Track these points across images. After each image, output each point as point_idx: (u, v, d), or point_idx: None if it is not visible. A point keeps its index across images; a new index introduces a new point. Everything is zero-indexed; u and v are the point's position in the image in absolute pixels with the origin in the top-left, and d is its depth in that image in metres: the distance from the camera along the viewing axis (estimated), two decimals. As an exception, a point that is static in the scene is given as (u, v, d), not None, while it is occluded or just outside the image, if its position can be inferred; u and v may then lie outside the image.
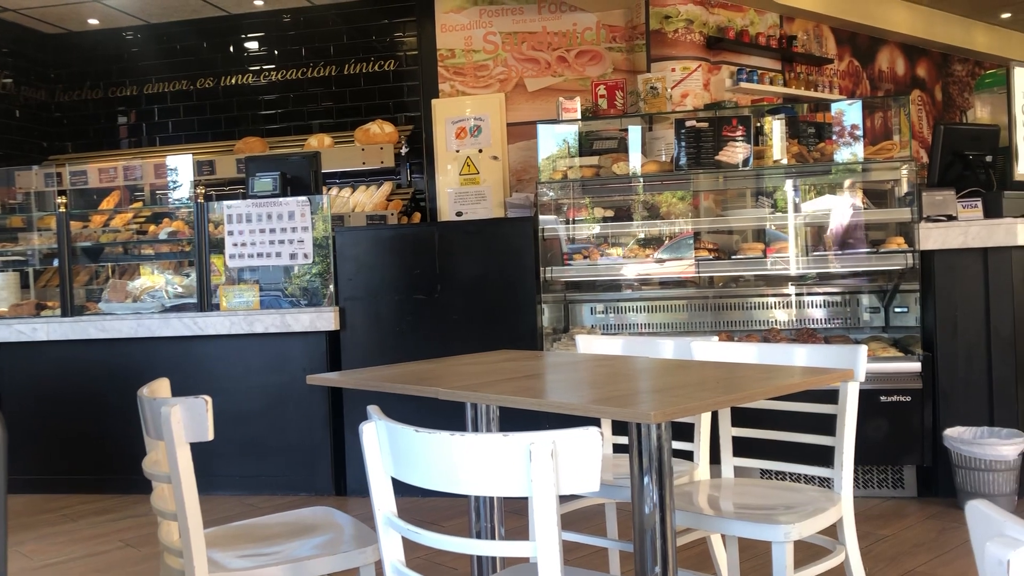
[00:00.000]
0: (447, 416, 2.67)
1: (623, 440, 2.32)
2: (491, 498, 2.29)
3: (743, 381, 2.04)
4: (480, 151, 6.95)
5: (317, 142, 6.79)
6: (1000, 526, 0.79)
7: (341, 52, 7.40)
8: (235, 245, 4.78)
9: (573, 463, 1.27)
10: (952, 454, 3.76)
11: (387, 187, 6.61)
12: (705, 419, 2.54)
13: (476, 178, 6.91)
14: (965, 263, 3.96)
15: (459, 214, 6.88)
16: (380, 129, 6.72)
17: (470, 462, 1.32)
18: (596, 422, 1.86)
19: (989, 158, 4.30)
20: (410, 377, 2.16)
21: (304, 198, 4.71)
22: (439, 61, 7.13)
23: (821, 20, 7.70)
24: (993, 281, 3.91)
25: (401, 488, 1.50)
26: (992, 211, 4.01)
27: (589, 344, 2.76)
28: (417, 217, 6.73)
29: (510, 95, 7.01)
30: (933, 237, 3.97)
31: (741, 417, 2.52)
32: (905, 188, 4.27)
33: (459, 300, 4.50)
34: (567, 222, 4.71)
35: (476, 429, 2.30)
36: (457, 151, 6.99)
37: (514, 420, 2.16)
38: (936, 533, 3.50)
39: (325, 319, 4.59)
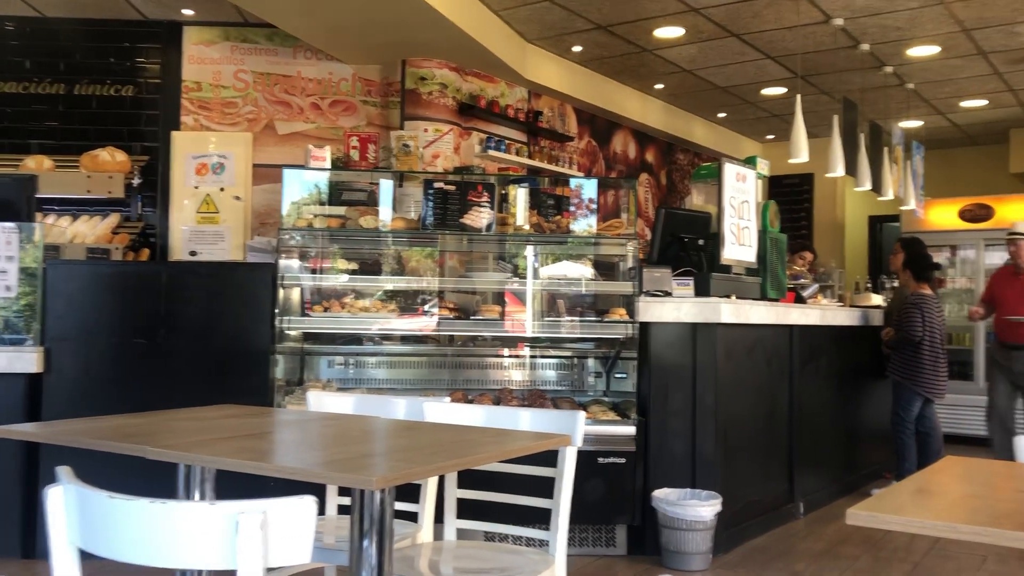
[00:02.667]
0: (163, 479, 2.47)
1: (348, 500, 2.27)
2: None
3: (469, 445, 2.08)
4: (222, 190, 6.67)
5: (35, 164, 6.18)
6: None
7: (73, 70, 6.83)
8: (-80, 271, 4.19)
9: (285, 534, 1.21)
10: (659, 514, 4.04)
11: (113, 219, 6.13)
12: (432, 481, 2.55)
13: (215, 217, 6.61)
14: (677, 336, 4.33)
15: (193, 254, 6.53)
16: (111, 157, 6.25)
17: (172, 533, 1.22)
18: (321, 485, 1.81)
19: (701, 242, 4.77)
20: (116, 432, 1.98)
21: (12, 224, 4.24)
22: (183, 92, 6.79)
23: (565, 100, 8.24)
24: (700, 354, 4.30)
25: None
26: (702, 290, 4.43)
27: (320, 401, 2.69)
28: (145, 254, 6.30)
29: (259, 136, 6.82)
30: (651, 310, 4.31)
31: (468, 479, 2.55)
32: (630, 263, 4.61)
33: (186, 347, 4.23)
34: (310, 271, 4.61)
35: (188, 494, 2.15)
36: (196, 187, 6.66)
37: (235, 483, 2.04)
38: (642, 589, 3.73)
39: (26, 360, 4.13)
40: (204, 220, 6.64)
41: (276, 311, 4.23)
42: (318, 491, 2.46)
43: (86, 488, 1.30)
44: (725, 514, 4.15)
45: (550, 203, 5.09)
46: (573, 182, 4.86)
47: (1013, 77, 8.09)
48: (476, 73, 7.27)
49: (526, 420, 2.41)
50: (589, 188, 4.90)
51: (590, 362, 5.00)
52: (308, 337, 4.71)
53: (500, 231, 4.53)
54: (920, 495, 1.52)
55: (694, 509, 3.95)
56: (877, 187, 7.55)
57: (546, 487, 2.41)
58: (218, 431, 2.12)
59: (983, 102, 9.02)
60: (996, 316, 5.98)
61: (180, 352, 4.22)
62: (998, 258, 7.93)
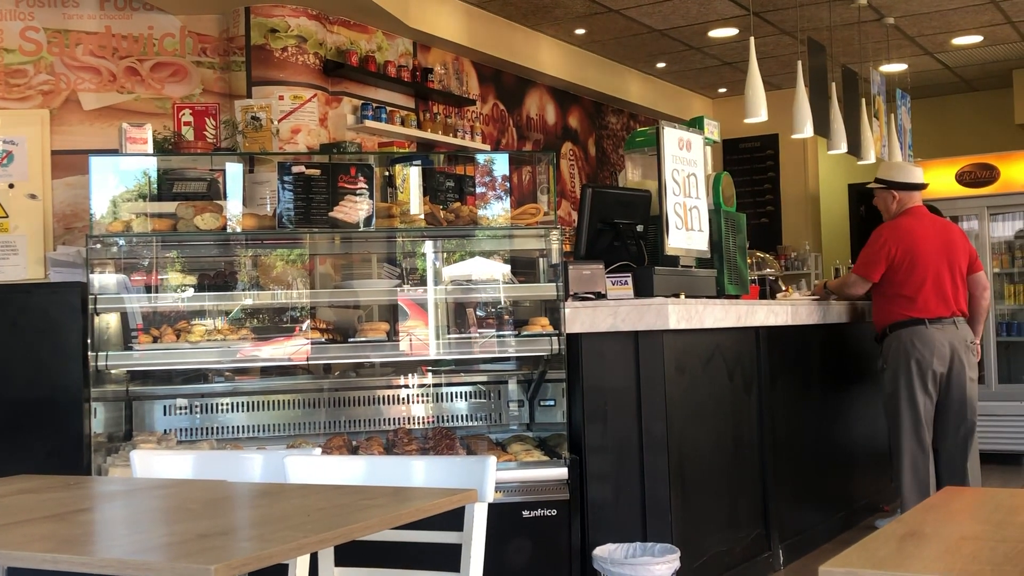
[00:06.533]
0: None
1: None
2: None
3: (346, 511, 2.07)
4: (11, 186, 6.52)
5: None
6: None
7: None
8: None
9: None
10: (602, 577, 4.08)
11: None
12: (302, 562, 2.52)
13: (4, 223, 6.46)
14: (615, 349, 4.37)
15: (-24, 274, 6.34)
16: None
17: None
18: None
19: (640, 228, 4.83)
20: None
21: None
22: (-48, 59, 6.58)
23: (461, 52, 8.25)
24: (644, 370, 4.35)
25: None
26: (643, 289, 4.48)
27: (148, 464, 2.64)
28: (-90, 277, 6.07)
29: (58, 113, 6.65)
30: (580, 318, 4.34)
31: (349, 554, 2.53)
32: (553, 259, 4.63)
33: (-34, 399, 4.10)
34: (134, 289, 4.51)
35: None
36: (-24, 185, 6.49)
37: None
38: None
39: None
40: (-11, 228, 6.46)
41: (89, 343, 4.13)
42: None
43: None
44: (685, 571, 4.21)
45: (448, 186, 5.10)
46: (479, 158, 4.87)
47: (1012, 6, 8.45)
48: (344, 22, 7.21)
49: (420, 472, 2.41)
50: (498, 165, 4.92)
51: (510, 387, 5.02)
52: (137, 376, 4.60)
53: (385, 225, 4.51)
54: (910, 541, 1.57)
55: (646, 568, 3.99)
56: (855, 149, 7.78)
57: (454, 556, 2.40)
58: (8, 512, 2.09)
59: (977, 38, 9.39)
60: None
61: (-41, 406, 4.09)
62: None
